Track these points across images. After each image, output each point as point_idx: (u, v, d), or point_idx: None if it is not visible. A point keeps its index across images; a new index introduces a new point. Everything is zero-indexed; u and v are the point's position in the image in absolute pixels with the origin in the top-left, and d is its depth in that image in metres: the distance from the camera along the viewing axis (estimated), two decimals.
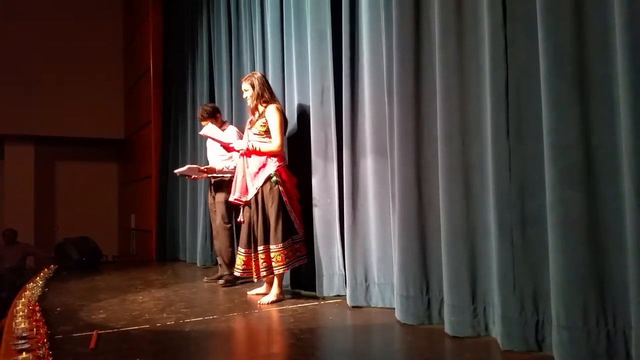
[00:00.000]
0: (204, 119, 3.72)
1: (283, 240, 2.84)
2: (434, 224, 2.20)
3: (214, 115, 3.77)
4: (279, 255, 2.82)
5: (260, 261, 2.86)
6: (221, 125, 3.74)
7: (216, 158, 3.75)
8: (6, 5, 7.44)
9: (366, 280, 2.66)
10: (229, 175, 3.70)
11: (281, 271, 2.88)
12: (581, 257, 1.60)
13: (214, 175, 3.82)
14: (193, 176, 3.88)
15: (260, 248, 2.86)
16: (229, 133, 3.58)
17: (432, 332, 2.14)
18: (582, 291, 1.60)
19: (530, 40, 1.79)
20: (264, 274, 2.87)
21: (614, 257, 1.57)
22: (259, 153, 2.93)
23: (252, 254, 2.92)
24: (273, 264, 2.83)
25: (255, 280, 3.06)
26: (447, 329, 2.06)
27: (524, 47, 1.83)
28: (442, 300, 2.15)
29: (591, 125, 1.62)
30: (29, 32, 7.59)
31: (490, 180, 1.92)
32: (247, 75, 3.12)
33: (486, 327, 2.00)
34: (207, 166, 3.75)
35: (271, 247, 2.84)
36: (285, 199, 2.88)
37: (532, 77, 1.78)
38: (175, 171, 3.92)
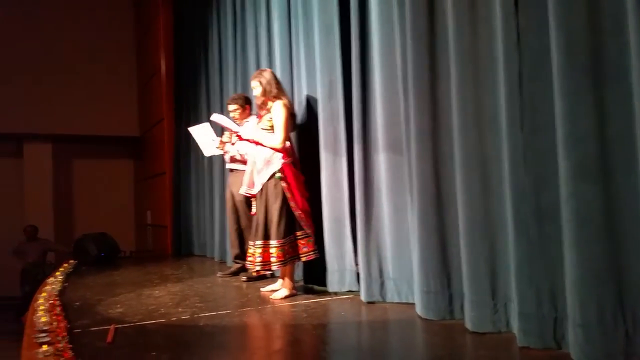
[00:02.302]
0: (232, 103, 3.67)
1: (283, 237, 2.85)
2: (453, 219, 2.16)
3: (243, 105, 3.68)
4: (278, 250, 2.83)
5: (257, 255, 2.88)
6: (247, 116, 3.67)
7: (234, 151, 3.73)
8: (21, 7, 7.58)
9: (381, 276, 2.64)
10: (238, 159, 3.64)
11: (279, 267, 2.88)
12: (596, 252, 1.56)
13: (230, 167, 3.81)
14: (222, 141, 3.66)
15: (258, 242, 2.89)
16: (250, 123, 3.48)
17: (452, 327, 2.11)
18: (597, 288, 1.55)
19: (543, 28, 1.73)
20: (258, 268, 2.89)
21: (631, 253, 1.51)
22: (262, 145, 2.95)
23: (253, 248, 2.95)
24: (272, 259, 2.85)
25: (255, 274, 3.10)
26: (468, 324, 2.04)
27: (537, 36, 1.78)
28: (464, 295, 2.11)
29: (606, 116, 1.56)
30: (44, 33, 7.73)
31: (506, 173, 1.88)
32: (255, 73, 3.12)
33: (507, 323, 1.96)
34: (233, 141, 3.56)
35: (271, 242, 2.86)
36: (288, 195, 2.88)
37: (545, 67, 1.73)
38: (212, 117, 3.39)
